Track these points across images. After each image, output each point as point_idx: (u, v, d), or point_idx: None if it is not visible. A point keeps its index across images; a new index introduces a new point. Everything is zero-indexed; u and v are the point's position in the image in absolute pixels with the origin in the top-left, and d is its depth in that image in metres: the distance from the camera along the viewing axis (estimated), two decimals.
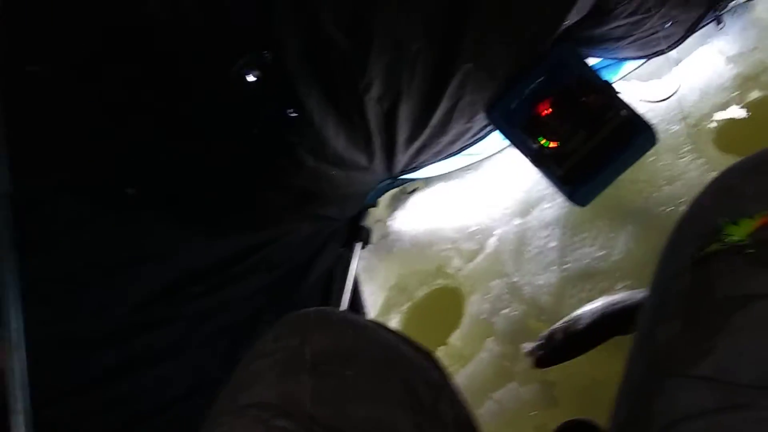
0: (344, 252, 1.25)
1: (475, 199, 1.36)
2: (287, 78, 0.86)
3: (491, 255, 1.24)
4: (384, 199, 1.48)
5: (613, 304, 0.97)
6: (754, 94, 1.18)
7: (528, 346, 1.01)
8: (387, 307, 1.35)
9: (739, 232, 0.53)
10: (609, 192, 1.02)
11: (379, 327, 0.62)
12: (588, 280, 1.07)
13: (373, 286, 1.40)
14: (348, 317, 0.62)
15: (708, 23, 1.15)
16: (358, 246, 1.27)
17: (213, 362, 1.06)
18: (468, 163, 1.40)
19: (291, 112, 0.91)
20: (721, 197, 0.62)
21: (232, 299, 1.07)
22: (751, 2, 1.21)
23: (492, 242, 1.26)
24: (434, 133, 1.14)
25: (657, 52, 1.18)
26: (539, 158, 1.05)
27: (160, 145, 0.87)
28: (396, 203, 1.51)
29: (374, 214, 1.39)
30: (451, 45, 0.95)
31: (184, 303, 1.01)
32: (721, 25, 1.22)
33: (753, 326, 0.43)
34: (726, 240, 0.53)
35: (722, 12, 1.15)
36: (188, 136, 0.89)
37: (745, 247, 0.51)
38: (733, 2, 1.16)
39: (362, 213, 1.31)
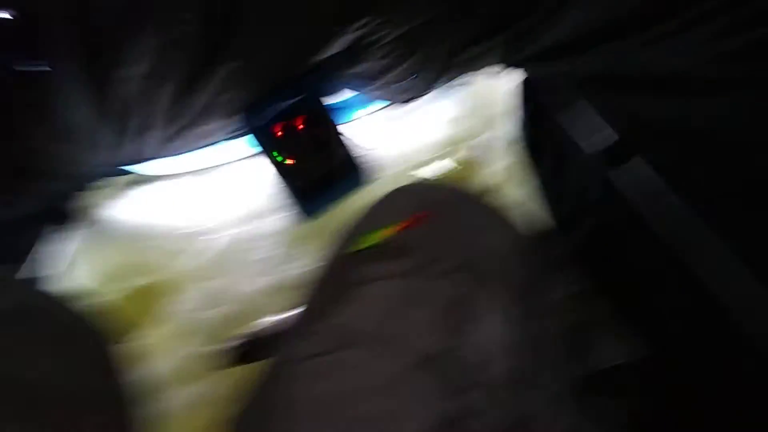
0: (46, 230, 1.17)
1: (205, 200, 1.35)
2: (43, 25, 0.80)
3: (207, 256, 1.26)
4: (106, 186, 1.34)
5: None
6: (463, 153, 1.43)
7: (222, 345, 1.08)
8: (87, 295, 1.28)
9: (374, 238, 0.71)
10: (325, 216, 1.16)
11: (56, 298, 0.66)
12: (291, 291, 1.17)
13: (73, 272, 1.26)
14: (24, 281, 0.64)
15: (439, 86, 1.36)
16: (64, 227, 1.21)
17: None
18: (207, 165, 1.38)
19: (38, 65, 0.83)
20: (372, 212, 0.81)
21: None
22: (474, 77, 1.46)
23: (210, 244, 1.28)
24: (188, 123, 1.14)
25: (400, 100, 1.36)
26: (279, 170, 1.14)
27: None
28: (119, 191, 1.36)
29: (90, 198, 1.29)
30: (224, 39, 0.96)
31: None
32: (449, 91, 1.45)
33: (361, 298, 0.59)
34: (363, 244, 0.69)
35: (452, 79, 1.37)
36: None
37: (374, 248, 0.68)
38: (461, 77, 1.39)
39: (76, 194, 1.23)
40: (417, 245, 0.68)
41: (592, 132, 1.11)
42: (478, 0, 1.10)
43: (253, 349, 1.06)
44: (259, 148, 1.16)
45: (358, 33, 1.07)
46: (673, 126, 0.89)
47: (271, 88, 1.11)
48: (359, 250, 0.71)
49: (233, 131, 1.26)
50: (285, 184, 1.15)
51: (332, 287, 0.66)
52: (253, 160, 1.30)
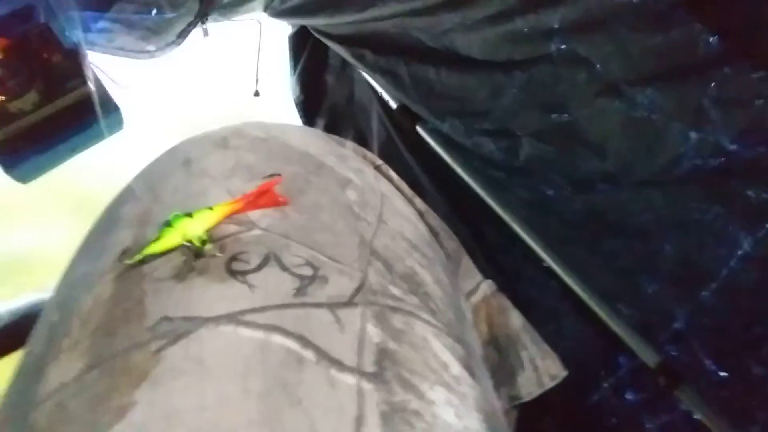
0: None
1: None
2: None
3: None
4: None
5: (39, 304, 0.82)
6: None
7: None
8: None
9: (192, 230, 0.48)
10: (59, 172, 0.88)
11: None
12: (14, 274, 0.88)
13: None
14: None
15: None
16: None
17: None
18: None
19: None
20: (173, 172, 0.57)
21: None
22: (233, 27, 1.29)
23: None
24: None
25: (151, 48, 1.12)
26: None
27: None
28: None
29: None
30: None
31: None
32: (206, 36, 1.26)
33: (192, 368, 0.39)
34: (171, 239, 0.47)
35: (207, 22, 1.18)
36: None
37: (197, 249, 0.47)
38: (219, 22, 1.21)
39: None
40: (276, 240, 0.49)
41: (385, 89, 1.09)
42: None
43: None
44: None
45: None
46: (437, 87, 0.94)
47: None
48: (160, 254, 0.47)
49: None
50: None
51: (125, 328, 0.42)
52: None
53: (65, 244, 0.89)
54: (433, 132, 0.99)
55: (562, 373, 0.76)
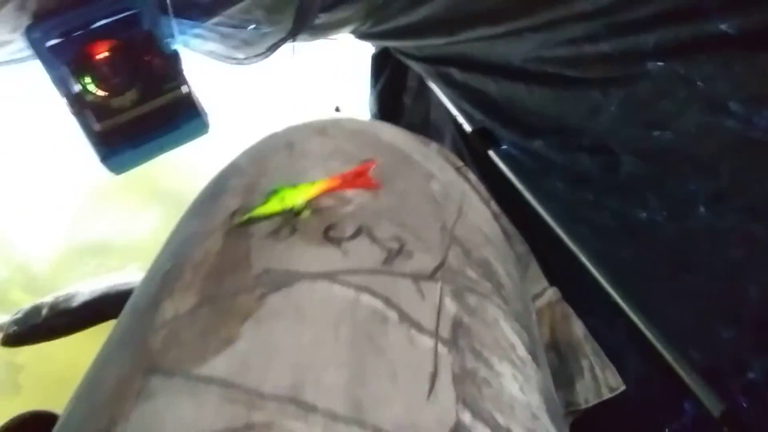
0: None
1: None
2: None
3: None
4: None
5: (119, 285, 0.88)
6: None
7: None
8: None
9: (295, 198, 0.52)
10: (148, 166, 0.94)
11: None
12: (98, 255, 0.94)
13: None
14: None
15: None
16: None
17: None
18: None
19: None
20: (277, 152, 0.61)
21: None
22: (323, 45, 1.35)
23: None
24: None
25: (241, 57, 1.19)
26: (77, 104, 0.88)
27: None
28: None
29: None
30: None
31: None
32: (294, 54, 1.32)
33: (291, 313, 0.42)
34: (276, 205, 0.52)
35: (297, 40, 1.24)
36: None
37: (298, 215, 0.51)
38: (310, 41, 1.27)
39: None
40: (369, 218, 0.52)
41: (461, 111, 1.11)
42: None
43: (38, 327, 0.79)
44: (48, 71, 0.88)
45: None
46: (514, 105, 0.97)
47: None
48: (271, 216, 0.52)
49: (21, 51, 0.97)
50: (84, 124, 0.89)
51: (227, 276, 0.47)
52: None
53: (145, 232, 0.95)
54: (507, 158, 0.98)
55: (621, 386, 0.76)
